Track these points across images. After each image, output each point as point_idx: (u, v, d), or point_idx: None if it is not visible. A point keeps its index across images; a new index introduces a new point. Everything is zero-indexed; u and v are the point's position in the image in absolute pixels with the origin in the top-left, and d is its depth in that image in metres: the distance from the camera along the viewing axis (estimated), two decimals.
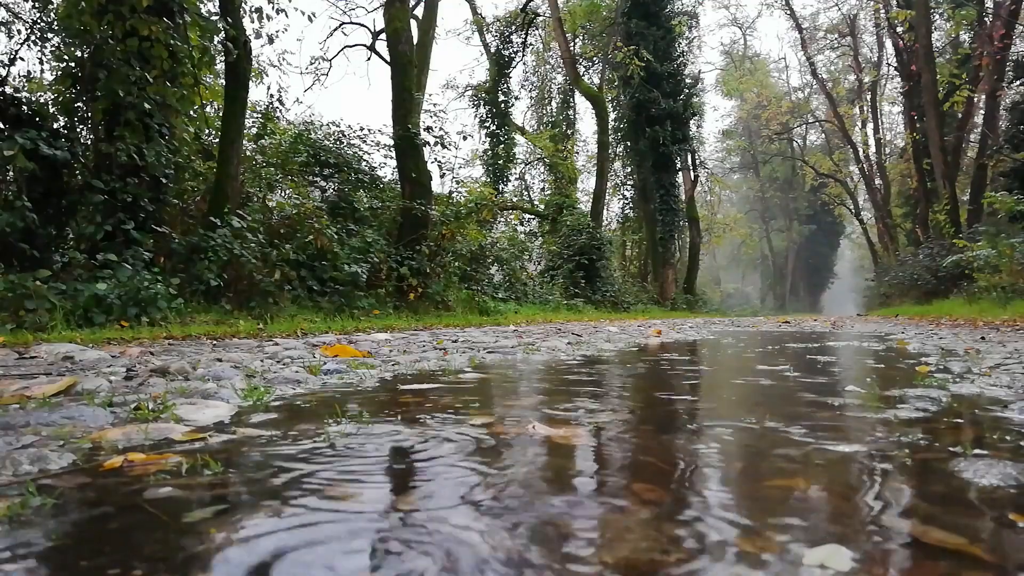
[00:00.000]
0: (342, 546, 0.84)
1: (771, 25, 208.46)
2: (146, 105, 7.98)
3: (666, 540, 0.86)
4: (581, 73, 28.50)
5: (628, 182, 31.34)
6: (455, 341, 5.69)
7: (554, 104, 31.85)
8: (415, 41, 15.76)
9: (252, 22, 9.78)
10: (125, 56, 7.80)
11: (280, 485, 1.13)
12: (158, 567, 0.78)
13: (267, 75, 17.91)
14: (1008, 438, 1.50)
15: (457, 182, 22.04)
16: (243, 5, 9.74)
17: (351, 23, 22.89)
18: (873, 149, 37.38)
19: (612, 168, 30.37)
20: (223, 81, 10.45)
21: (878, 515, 0.96)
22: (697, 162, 31.99)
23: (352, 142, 14.92)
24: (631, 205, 31.56)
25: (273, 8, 10.05)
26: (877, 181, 35.77)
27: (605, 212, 29.74)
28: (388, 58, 14.19)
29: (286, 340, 5.63)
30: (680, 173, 29.91)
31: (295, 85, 60.13)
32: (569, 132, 30.51)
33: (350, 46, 31.20)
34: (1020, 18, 20.09)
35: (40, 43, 8.96)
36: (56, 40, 8.87)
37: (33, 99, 8.33)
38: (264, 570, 0.77)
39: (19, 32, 9.01)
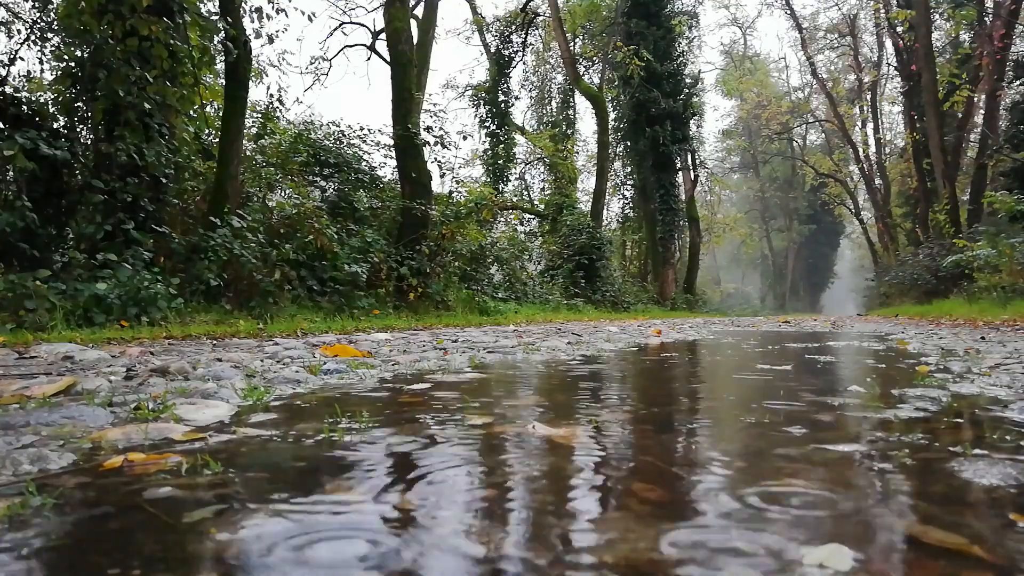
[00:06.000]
0: (341, 544, 0.84)
1: (771, 25, 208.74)
2: (146, 105, 7.99)
3: (666, 539, 0.86)
4: (581, 73, 28.48)
5: (628, 182, 31.34)
6: (455, 341, 5.69)
7: (554, 104, 31.85)
8: (415, 41, 15.76)
9: (252, 22, 9.78)
10: (125, 56, 7.80)
11: (280, 484, 1.13)
12: (158, 567, 0.78)
13: (267, 75, 17.92)
14: (1008, 438, 1.50)
15: (457, 182, 21.99)
16: (243, 5, 9.74)
17: (351, 23, 22.95)
18: (873, 149, 37.46)
19: (612, 168, 30.36)
20: (223, 81, 10.45)
21: (878, 514, 0.96)
22: (697, 162, 31.99)
23: (352, 142, 14.93)
24: (631, 205, 31.57)
25: (273, 8, 10.05)
26: (877, 181, 35.78)
27: (605, 212, 29.75)
28: (388, 58, 14.21)
29: (286, 340, 5.63)
30: (680, 173, 29.92)
31: (295, 85, 60.21)
32: (569, 132, 30.49)
33: (350, 46, 31.17)
34: (1020, 18, 20.09)
35: (40, 43, 8.95)
36: (56, 40, 8.87)
37: (33, 99, 8.33)
38: (264, 569, 0.77)
39: (19, 32, 9.01)
